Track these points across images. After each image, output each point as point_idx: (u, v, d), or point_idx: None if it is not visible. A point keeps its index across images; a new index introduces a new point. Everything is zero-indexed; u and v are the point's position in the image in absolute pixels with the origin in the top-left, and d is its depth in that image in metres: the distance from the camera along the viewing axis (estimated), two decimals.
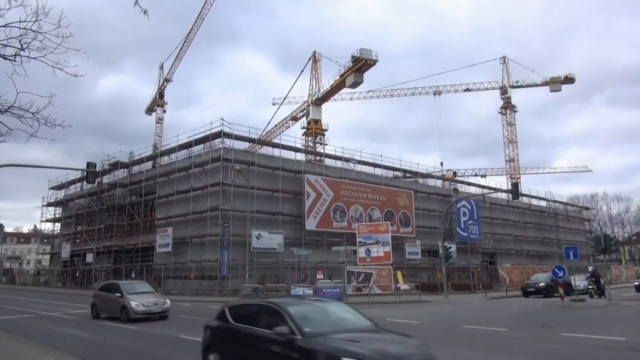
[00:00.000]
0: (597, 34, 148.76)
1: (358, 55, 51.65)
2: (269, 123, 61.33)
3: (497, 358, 10.13)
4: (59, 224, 56.03)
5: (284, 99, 62.28)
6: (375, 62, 52.15)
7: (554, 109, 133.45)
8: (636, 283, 30.73)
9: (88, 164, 22.46)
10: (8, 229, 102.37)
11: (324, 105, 60.17)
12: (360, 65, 51.92)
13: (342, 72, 53.92)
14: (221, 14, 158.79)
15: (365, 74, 53.51)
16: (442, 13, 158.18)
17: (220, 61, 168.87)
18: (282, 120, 63.37)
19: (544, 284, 28.69)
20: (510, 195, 45.36)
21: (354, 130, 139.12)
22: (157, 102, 71.83)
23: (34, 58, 7.11)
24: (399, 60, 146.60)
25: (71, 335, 14.34)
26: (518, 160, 70.96)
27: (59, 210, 55.68)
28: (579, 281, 25.62)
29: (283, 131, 61.39)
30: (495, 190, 55.28)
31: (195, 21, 63.58)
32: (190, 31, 64.76)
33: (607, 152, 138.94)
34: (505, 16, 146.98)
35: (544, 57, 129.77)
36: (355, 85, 55.03)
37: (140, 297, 17.48)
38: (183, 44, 65.86)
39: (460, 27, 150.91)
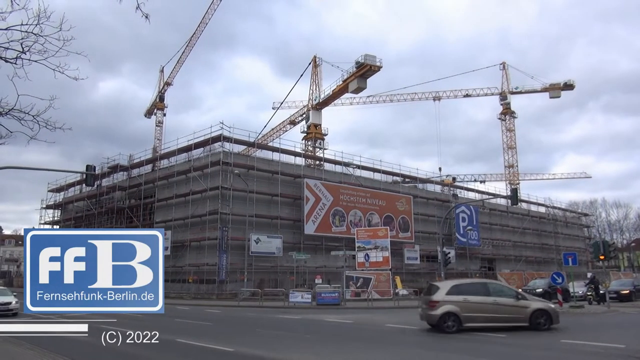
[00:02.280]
0: (594, 41, 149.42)
1: (362, 61, 51.69)
2: (265, 126, 61.38)
3: None
4: (58, 227, 55.89)
5: (282, 103, 62.38)
6: (379, 68, 52.24)
7: (552, 115, 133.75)
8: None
9: (87, 166, 22.48)
10: (6, 231, 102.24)
11: (324, 110, 60.31)
12: (365, 71, 52.00)
13: (345, 77, 53.95)
14: (220, 20, 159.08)
15: (367, 80, 53.64)
16: (440, 19, 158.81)
17: (220, 66, 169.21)
18: (281, 123, 63.46)
19: (542, 290, 28.60)
20: (509, 201, 45.48)
21: (353, 135, 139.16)
22: (157, 106, 71.77)
23: (35, 61, 7.11)
24: (398, 66, 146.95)
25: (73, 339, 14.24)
26: (517, 166, 71.06)
27: (57, 213, 55.55)
28: (578, 287, 25.57)
29: (281, 135, 61.47)
30: (495, 195, 55.37)
31: (198, 26, 63.87)
32: (192, 36, 65.03)
33: (605, 158, 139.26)
34: (503, 23, 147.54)
35: (541, 63, 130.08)
36: (358, 90, 55.04)
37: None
38: (185, 49, 66.11)
39: (459, 34, 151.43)
